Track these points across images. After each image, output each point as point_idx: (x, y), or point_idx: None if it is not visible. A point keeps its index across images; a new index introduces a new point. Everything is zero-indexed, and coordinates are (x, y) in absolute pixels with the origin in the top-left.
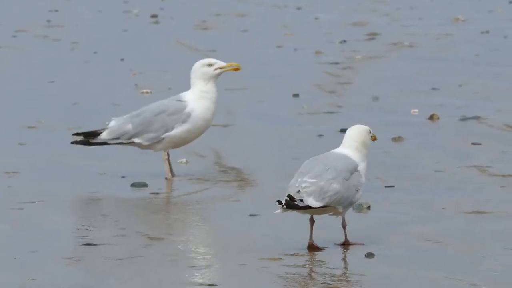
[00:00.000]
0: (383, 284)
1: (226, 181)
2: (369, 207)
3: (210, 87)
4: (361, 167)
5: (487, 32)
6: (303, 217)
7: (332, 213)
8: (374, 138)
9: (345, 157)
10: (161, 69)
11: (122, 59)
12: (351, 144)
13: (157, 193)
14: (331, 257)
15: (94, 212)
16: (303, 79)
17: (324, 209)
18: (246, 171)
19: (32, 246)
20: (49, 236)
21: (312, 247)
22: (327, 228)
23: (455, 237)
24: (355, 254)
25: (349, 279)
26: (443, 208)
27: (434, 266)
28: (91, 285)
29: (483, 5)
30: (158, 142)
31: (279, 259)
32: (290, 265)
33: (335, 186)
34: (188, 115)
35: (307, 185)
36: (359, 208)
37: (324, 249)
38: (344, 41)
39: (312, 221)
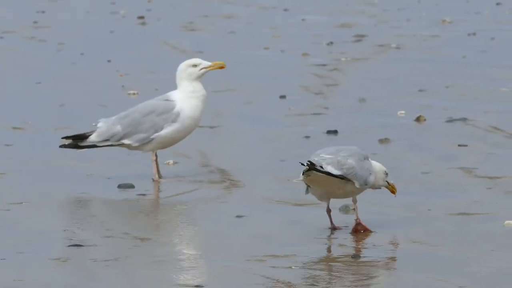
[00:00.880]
0: (369, 286)
1: (213, 182)
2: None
3: (196, 87)
4: (372, 163)
5: (474, 34)
6: (290, 218)
7: (348, 193)
8: (391, 189)
9: (357, 148)
10: (148, 70)
11: (109, 61)
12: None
13: (144, 194)
14: (318, 258)
15: (81, 213)
16: (290, 81)
17: (343, 187)
18: (233, 172)
19: (19, 247)
20: (36, 237)
21: (335, 228)
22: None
23: (442, 239)
24: (342, 256)
25: (334, 281)
26: (429, 210)
27: (421, 268)
28: (79, 286)
29: (470, 7)
30: (147, 142)
31: (265, 260)
32: (277, 267)
33: (351, 161)
34: (177, 114)
35: (325, 158)
36: (346, 210)
37: (342, 228)
38: (331, 42)
39: (329, 211)
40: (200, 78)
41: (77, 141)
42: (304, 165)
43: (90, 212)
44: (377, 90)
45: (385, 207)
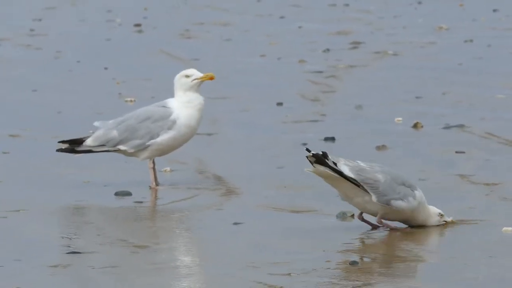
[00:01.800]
0: None
1: (210, 190)
2: (352, 216)
3: (191, 96)
4: (419, 192)
5: (471, 40)
6: (287, 225)
7: (360, 202)
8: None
9: (405, 175)
10: (144, 77)
11: (105, 68)
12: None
13: (141, 202)
14: (317, 265)
15: (79, 221)
16: (286, 88)
17: (357, 190)
18: (230, 180)
19: (16, 254)
20: (33, 245)
21: (375, 228)
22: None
23: (439, 245)
24: (341, 263)
25: (333, 287)
26: None
27: (418, 275)
28: None
29: (467, 14)
30: (143, 149)
31: (263, 267)
32: (275, 274)
33: (379, 176)
34: (174, 122)
35: (352, 161)
36: (343, 217)
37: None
38: (328, 50)
39: (360, 217)
40: (194, 88)
41: (74, 145)
42: (309, 151)
43: (87, 219)
44: (374, 97)
45: None
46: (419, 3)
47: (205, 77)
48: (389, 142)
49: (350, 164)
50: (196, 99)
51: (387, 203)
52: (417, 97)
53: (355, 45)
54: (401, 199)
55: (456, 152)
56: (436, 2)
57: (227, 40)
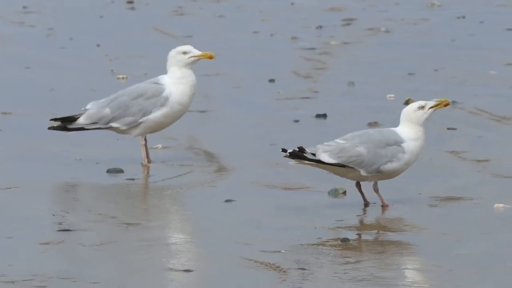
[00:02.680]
0: (358, 270)
1: (203, 167)
2: (344, 192)
3: (185, 73)
4: (409, 144)
5: (463, 17)
6: (279, 202)
7: (354, 176)
8: (442, 105)
9: (390, 131)
10: (137, 55)
11: (98, 45)
12: (403, 124)
13: (133, 179)
14: (308, 242)
15: (70, 198)
16: (279, 65)
17: (345, 169)
18: (222, 157)
19: (8, 232)
20: (25, 222)
21: (367, 205)
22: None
23: (431, 222)
24: (332, 239)
25: (324, 264)
26: (419, 193)
27: (409, 252)
28: (68, 271)
29: None
30: (136, 126)
31: (255, 244)
32: (266, 251)
33: (360, 149)
34: (166, 98)
35: (330, 144)
36: (335, 194)
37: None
38: (320, 26)
39: (357, 185)
40: (189, 65)
41: (66, 123)
42: (285, 151)
43: (79, 197)
44: (366, 74)
45: (372, 191)
46: None
47: (203, 55)
48: (381, 119)
49: (328, 148)
50: (189, 76)
51: (378, 171)
52: (409, 74)
53: (348, 21)
54: (390, 161)
55: (448, 128)
56: None
57: (220, 17)
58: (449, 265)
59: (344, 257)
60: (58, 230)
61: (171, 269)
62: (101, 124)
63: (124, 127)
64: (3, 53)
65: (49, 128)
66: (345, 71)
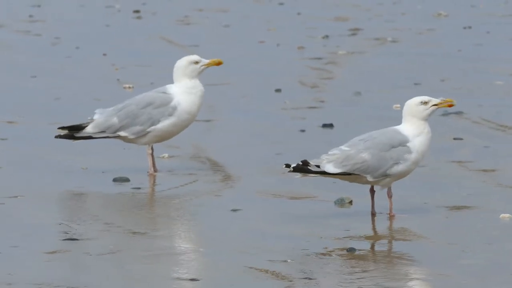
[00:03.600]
0: (364, 279)
1: (209, 176)
2: (351, 202)
3: (195, 83)
4: (414, 143)
5: (470, 27)
6: (285, 212)
7: (361, 182)
8: (446, 105)
9: (394, 132)
10: (143, 64)
11: (104, 54)
12: (405, 119)
13: (139, 188)
14: (314, 252)
15: (76, 207)
16: (285, 74)
17: (352, 176)
18: (228, 166)
19: (14, 241)
20: (30, 231)
21: (374, 215)
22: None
23: (437, 232)
24: (338, 249)
25: (330, 274)
26: (425, 203)
27: (415, 261)
28: (73, 280)
29: (466, 0)
30: (143, 135)
31: (261, 253)
32: (272, 260)
33: (364, 155)
34: (174, 108)
35: (335, 153)
36: (341, 203)
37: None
38: (327, 36)
39: (372, 191)
40: (199, 74)
41: (73, 132)
42: (288, 166)
43: (85, 205)
44: (373, 84)
45: (382, 200)
46: None
47: (212, 63)
48: None
49: (333, 158)
50: (199, 85)
51: (385, 175)
52: (415, 84)
53: (354, 31)
54: (397, 163)
55: (454, 138)
56: None
57: (226, 26)
58: (454, 275)
59: (350, 267)
60: (64, 239)
61: (177, 278)
62: (109, 133)
63: (132, 136)
64: (9, 61)
65: (56, 137)
66: (352, 81)
